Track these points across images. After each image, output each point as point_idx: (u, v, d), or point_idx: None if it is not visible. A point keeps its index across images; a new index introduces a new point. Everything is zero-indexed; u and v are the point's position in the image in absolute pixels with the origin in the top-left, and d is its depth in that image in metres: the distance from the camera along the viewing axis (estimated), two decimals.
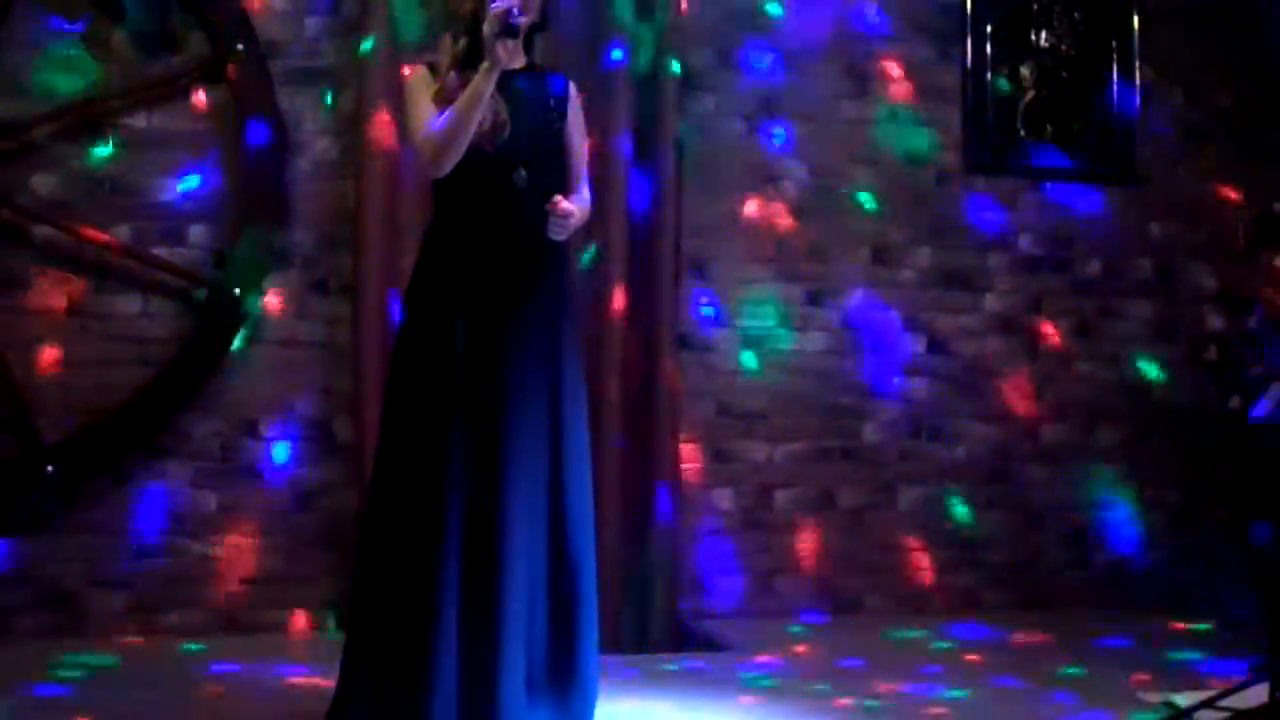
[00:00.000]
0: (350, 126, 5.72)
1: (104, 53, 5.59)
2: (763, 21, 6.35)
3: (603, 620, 4.27)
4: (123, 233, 5.60)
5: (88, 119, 5.56)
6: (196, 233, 5.70)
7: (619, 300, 5.75)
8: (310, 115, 5.81)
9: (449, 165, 3.94)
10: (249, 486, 5.71)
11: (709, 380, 6.24)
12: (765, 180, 6.35)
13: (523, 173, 4.03)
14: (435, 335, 4.00)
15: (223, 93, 5.68)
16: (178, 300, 5.65)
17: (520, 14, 3.89)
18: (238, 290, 5.60)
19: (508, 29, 3.87)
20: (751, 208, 6.32)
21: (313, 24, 5.83)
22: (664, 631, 5.71)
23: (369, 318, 5.54)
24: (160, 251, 5.63)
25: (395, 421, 4.05)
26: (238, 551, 5.68)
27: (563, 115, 4.21)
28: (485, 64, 3.88)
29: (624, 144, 5.76)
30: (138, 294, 5.63)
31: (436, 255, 4.09)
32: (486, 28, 3.87)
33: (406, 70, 4.10)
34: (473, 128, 3.91)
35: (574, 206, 4.08)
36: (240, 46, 5.61)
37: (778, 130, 6.35)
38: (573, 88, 4.30)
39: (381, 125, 5.58)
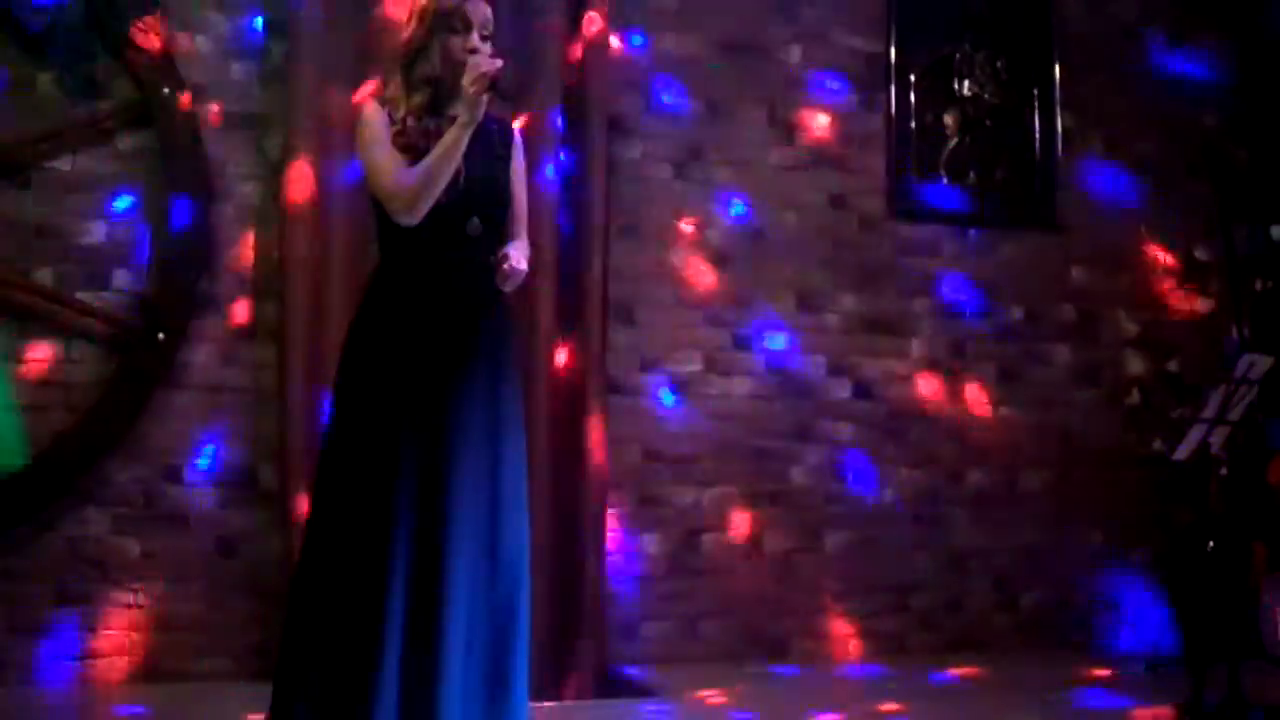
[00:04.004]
0: (277, 171, 5.71)
1: (28, 96, 5.56)
2: (689, 68, 6.40)
3: (530, 666, 4.25)
4: (46, 276, 5.56)
5: (11, 162, 5.52)
6: (120, 277, 5.66)
7: (548, 346, 5.76)
8: (237, 160, 5.79)
9: (422, 214, 3.96)
10: (172, 533, 5.65)
11: (636, 425, 6.25)
12: (691, 226, 6.38)
13: (476, 221, 4.05)
14: (381, 378, 4.00)
15: (148, 137, 5.66)
16: (101, 345, 5.61)
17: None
18: (161, 335, 5.56)
19: (499, 90, 3.93)
20: (678, 253, 6.35)
21: (239, 69, 5.82)
22: (592, 678, 5.69)
23: (294, 364, 5.52)
24: (84, 296, 5.59)
25: (336, 463, 4.04)
26: (160, 599, 5.63)
27: (508, 163, 4.23)
28: (464, 118, 3.91)
29: (553, 183, 5.80)
30: (60, 339, 5.58)
31: (384, 299, 4.09)
32: (469, 83, 3.89)
33: (368, 108, 4.10)
34: (447, 179, 3.94)
35: (523, 259, 4.11)
36: (166, 91, 5.59)
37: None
38: (517, 134, 4.32)
39: (307, 171, 5.58)
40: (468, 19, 4.05)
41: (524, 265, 4.10)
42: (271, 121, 5.77)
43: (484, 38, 4.07)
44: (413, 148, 4.00)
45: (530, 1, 5.87)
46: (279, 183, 5.67)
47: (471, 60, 3.95)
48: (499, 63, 3.97)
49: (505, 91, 3.99)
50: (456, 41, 4.03)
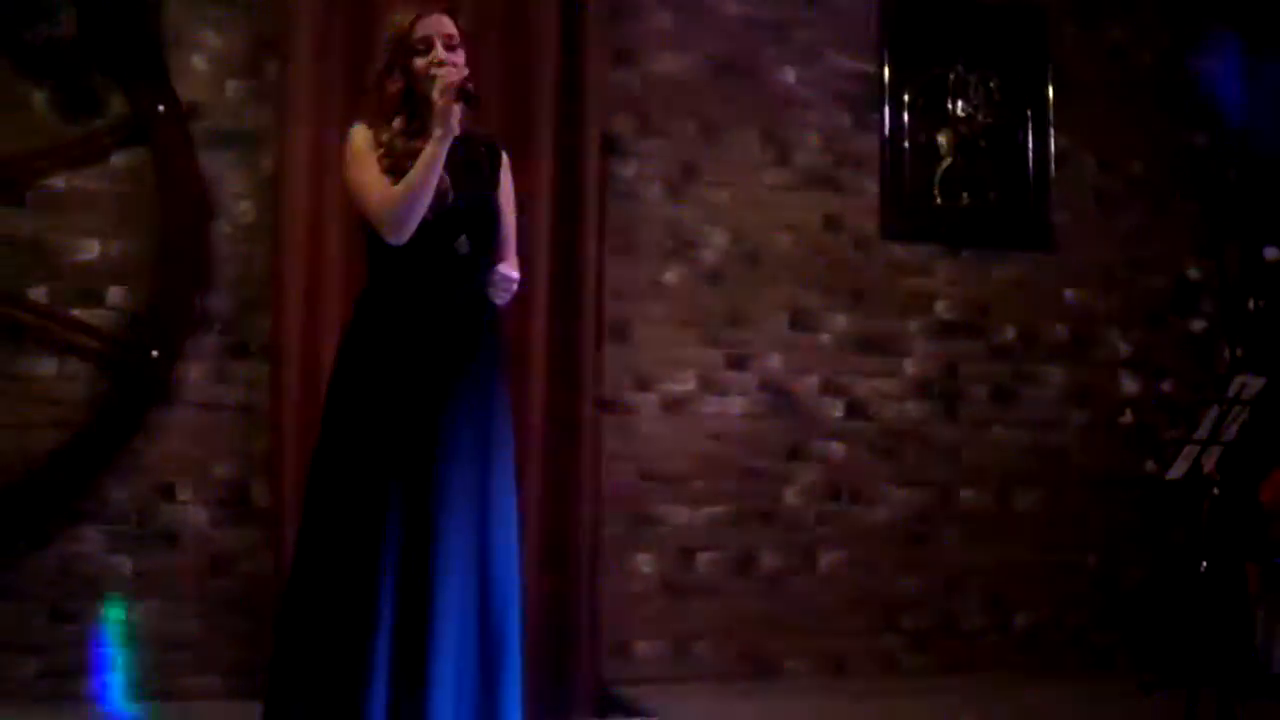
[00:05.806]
0: (271, 189, 5.71)
1: (22, 114, 5.56)
2: (683, 89, 6.41)
3: (524, 686, 4.25)
4: (40, 294, 5.56)
5: (5, 180, 5.52)
6: (115, 295, 5.65)
7: (542, 365, 5.76)
8: (231, 177, 5.79)
9: (409, 232, 3.97)
10: (165, 551, 5.64)
11: (630, 444, 6.24)
12: (685, 245, 6.39)
13: (464, 239, 4.06)
14: (370, 399, 4.00)
15: (143, 155, 5.65)
16: (95, 362, 5.60)
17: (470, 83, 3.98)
18: (155, 353, 5.56)
19: (469, 98, 3.93)
20: (671, 272, 6.36)
21: (234, 86, 5.82)
22: (586, 698, 5.68)
23: (288, 381, 5.51)
24: (78, 313, 5.58)
25: (325, 483, 4.05)
26: (154, 616, 5.61)
27: (496, 183, 4.25)
28: (439, 132, 3.92)
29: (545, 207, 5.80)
30: (54, 356, 5.57)
31: (373, 320, 4.09)
32: (438, 96, 3.91)
33: (353, 131, 4.12)
34: (430, 195, 3.95)
35: (515, 271, 4.13)
36: (161, 108, 5.59)
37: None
38: (504, 155, 4.34)
39: (301, 188, 5.57)
40: (428, 36, 4.08)
41: (516, 274, 4.13)
42: (266, 139, 5.76)
43: (451, 48, 4.09)
44: (398, 168, 4.02)
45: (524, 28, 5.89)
46: (273, 200, 5.67)
47: (439, 74, 3.98)
48: (464, 71, 3.99)
49: (475, 101, 3.99)
50: (420, 61, 4.06)
